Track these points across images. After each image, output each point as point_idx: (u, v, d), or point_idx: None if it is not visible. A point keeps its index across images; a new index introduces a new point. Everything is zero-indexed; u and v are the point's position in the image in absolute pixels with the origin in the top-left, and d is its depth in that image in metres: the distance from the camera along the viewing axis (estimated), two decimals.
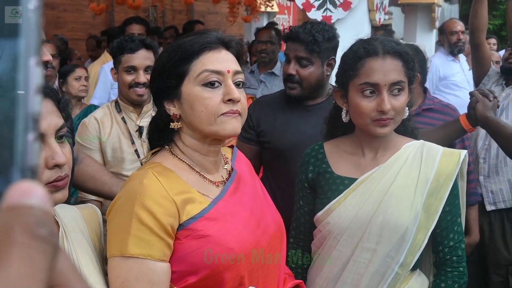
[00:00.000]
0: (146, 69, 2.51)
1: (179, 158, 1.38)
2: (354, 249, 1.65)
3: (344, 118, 1.72)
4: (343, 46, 1.80)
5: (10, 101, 0.36)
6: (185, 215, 1.28)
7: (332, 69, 2.39)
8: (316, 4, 3.59)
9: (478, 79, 3.37)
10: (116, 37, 3.05)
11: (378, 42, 1.65)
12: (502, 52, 4.65)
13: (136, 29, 4.45)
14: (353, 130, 1.77)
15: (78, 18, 8.81)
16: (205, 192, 1.35)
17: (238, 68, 1.37)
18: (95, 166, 2.27)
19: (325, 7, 3.58)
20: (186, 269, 1.27)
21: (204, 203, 1.32)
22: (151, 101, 1.92)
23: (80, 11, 8.78)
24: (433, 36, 6.61)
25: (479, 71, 3.35)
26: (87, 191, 2.34)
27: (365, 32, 3.42)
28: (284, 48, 2.61)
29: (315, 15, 3.59)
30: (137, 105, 2.59)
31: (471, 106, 2.15)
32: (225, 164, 1.48)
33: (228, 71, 1.32)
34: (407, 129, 1.76)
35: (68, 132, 1.24)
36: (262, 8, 7.49)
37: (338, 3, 3.56)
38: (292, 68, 2.38)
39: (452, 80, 5.09)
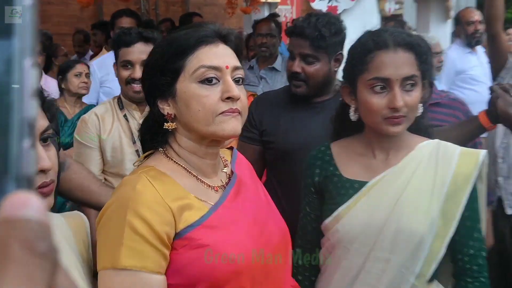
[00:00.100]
0: (143, 64, 2.53)
1: (175, 161, 1.38)
2: (366, 259, 1.65)
3: (353, 116, 1.72)
4: (350, 38, 1.80)
5: (4, 106, 0.36)
6: (182, 223, 1.27)
7: (340, 64, 2.39)
8: None
9: (495, 72, 3.37)
10: (107, 30, 3.10)
11: (388, 33, 1.65)
12: None
13: (126, 22, 4.45)
14: (362, 130, 1.77)
15: (64, 11, 8.82)
16: (203, 197, 1.35)
17: (238, 63, 1.37)
18: (83, 173, 2.27)
19: None
20: (184, 282, 1.27)
21: (203, 210, 1.32)
22: None
23: (66, 3, 8.79)
24: (448, 26, 6.60)
25: (496, 63, 3.36)
26: (74, 200, 2.34)
27: (373, 23, 3.42)
28: (287, 42, 2.60)
29: (319, 5, 3.59)
30: (140, 102, 2.60)
31: (492, 102, 2.14)
32: (225, 167, 1.48)
33: (227, 67, 1.32)
34: (420, 128, 1.76)
35: (54, 134, 1.24)
36: None
37: None
38: (297, 66, 2.37)
39: (470, 74, 5.09)
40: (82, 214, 1.45)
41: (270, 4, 8.88)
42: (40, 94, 1.23)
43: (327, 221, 1.73)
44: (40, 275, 0.33)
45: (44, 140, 1.17)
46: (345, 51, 1.86)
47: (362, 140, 1.77)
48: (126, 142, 2.55)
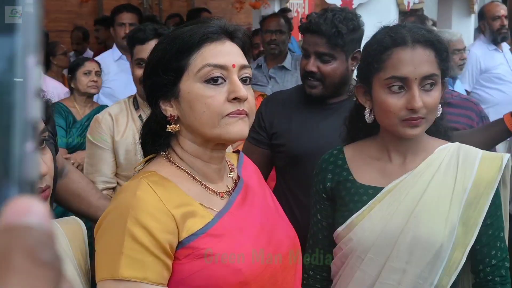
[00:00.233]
0: None
1: (178, 166, 1.38)
2: (380, 269, 1.65)
3: (368, 118, 1.72)
4: (366, 35, 1.80)
5: (6, 106, 0.37)
6: (185, 232, 1.28)
7: (358, 63, 2.38)
8: None
9: None
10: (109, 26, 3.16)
11: (406, 29, 1.65)
12: None
13: (127, 18, 4.48)
14: (378, 132, 1.77)
15: (62, 6, 8.84)
16: (208, 204, 1.36)
17: (245, 61, 1.37)
18: (81, 183, 2.28)
19: None
20: None
21: (207, 217, 1.33)
22: None
23: None
24: (471, 22, 6.57)
25: None
26: (70, 210, 2.35)
27: (391, 18, 3.42)
28: (299, 39, 2.61)
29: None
30: None
31: None
32: (231, 172, 1.48)
33: (233, 66, 1.33)
34: (439, 130, 1.76)
35: (50, 137, 1.25)
36: None
37: None
38: (312, 65, 2.36)
39: (495, 72, 5.08)
40: (78, 219, 1.45)
41: None
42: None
43: (340, 229, 1.73)
44: (43, 286, 0.33)
45: (39, 143, 1.18)
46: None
47: (377, 143, 1.77)
48: (140, 144, 2.59)
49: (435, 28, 4.43)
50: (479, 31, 5.58)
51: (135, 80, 2.68)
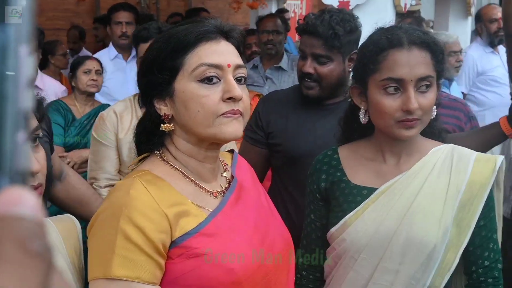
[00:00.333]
0: None
1: (171, 165, 1.38)
2: (373, 270, 1.65)
3: (362, 118, 1.72)
4: (363, 36, 1.80)
5: None
6: (178, 231, 1.28)
7: None
8: None
9: None
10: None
11: (402, 31, 1.65)
12: None
13: (123, 17, 4.48)
14: (372, 133, 1.77)
15: (59, 5, 8.84)
16: (201, 204, 1.36)
17: (240, 61, 1.37)
18: (82, 189, 2.29)
19: None
20: None
21: (201, 217, 1.33)
22: None
23: None
24: (468, 24, 6.59)
25: None
26: (75, 216, 2.37)
27: (388, 19, 3.42)
28: (295, 40, 2.61)
29: (331, 0, 3.60)
30: None
31: None
32: (224, 172, 1.49)
33: (229, 65, 1.33)
34: (434, 131, 1.76)
35: (45, 135, 1.25)
36: None
37: None
38: (309, 66, 2.36)
39: (491, 75, 5.09)
40: (73, 217, 1.45)
41: None
42: None
43: (333, 229, 1.73)
44: (34, 276, 0.33)
45: (32, 140, 1.18)
46: None
47: (372, 144, 1.77)
48: None
49: (431, 30, 4.45)
50: (476, 33, 5.59)
51: None
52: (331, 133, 1.97)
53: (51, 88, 4.59)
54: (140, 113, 2.65)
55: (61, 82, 5.26)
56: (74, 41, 6.83)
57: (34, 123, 1.18)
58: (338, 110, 2.31)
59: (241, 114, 1.33)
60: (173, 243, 1.27)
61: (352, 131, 1.83)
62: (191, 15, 6.20)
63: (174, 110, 1.34)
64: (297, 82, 2.55)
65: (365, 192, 1.71)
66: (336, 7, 3.44)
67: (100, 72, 4.00)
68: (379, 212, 1.67)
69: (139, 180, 1.31)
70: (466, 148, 1.73)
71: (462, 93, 5.03)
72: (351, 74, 2.40)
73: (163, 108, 1.36)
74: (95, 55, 4.58)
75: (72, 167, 3.29)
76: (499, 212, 1.74)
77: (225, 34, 1.37)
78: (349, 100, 1.81)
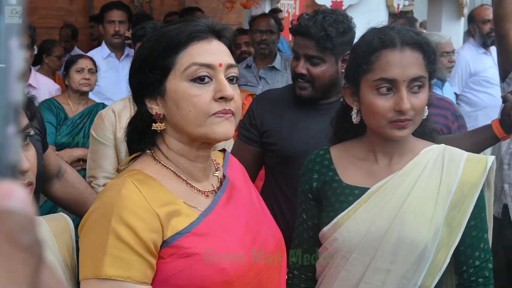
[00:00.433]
0: None
1: (163, 165, 1.38)
2: (365, 269, 1.66)
3: (355, 119, 1.73)
4: (356, 36, 1.80)
5: None
6: (169, 231, 1.28)
7: None
8: None
9: (504, 74, 3.38)
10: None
11: (395, 31, 1.66)
12: None
13: (116, 15, 4.47)
14: (364, 133, 1.77)
15: (52, 3, 8.79)
16: (193, 203, 1.36)
17: (232, 61, 1.37)
18: (80, 189, 2.29)
19: None
20: None
21: (192, 216, 1.33)
22: None
23: None
24: (461, 25, 6.60)
25: (505, 65, 3.37)
26: (70, 212, 2.37)
27: (381, 20, 3.43)
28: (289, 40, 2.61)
29: (324, 0, 3.60)
30: None
31: (506, 113, 2.15)
32: (216, 171, 1.49)
33: (220, 65, 1.33)
34: (425, 132, 1.77)
35: (37, 134, 1.25)
36: None
37: None
38: (302, 67, 2.37)
39: (484, 76, 5.11)
40: (66, 216, 1.45)
41: None
42: None
43: (325, 229, 1.73)
44: (23, 270, 0.33)
45: (22, 139, 1.17)
46: None
47: (364, 144, 1.77)
48: None
49: (424, 31, 4.46)
50: (468, 34, 5.60)
51: None
52: (325, 133, 1.97)
53: (45, 87, 4.57)
54: None
55: (55, 80, 5.23)
56: (66, 39, 6.78)
57: (24, 121, 1.18)
58: (331, 111, 2.31)
59: (232, 114, 1.33)
60: (165, 243, 1.27)
61: (344, 131, 1.83)
62: (186, 14, 6.20)
63: (166, 110, 1.34)
64: (290, 82, 2.56)
65: (357, 192, 1.72)
66: (329, 7, 3.45)
67: (93, 71, 3.98)
68: (371, 212, 1.67)
69: (130, 179, 1.30)
70: (457, 149, 1.74)
71: (455, 93, 5.05)
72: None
73: (154, 108, 1.35)
74: (88, 54, 4.56)
75: None
76: (490, 212, 1.75)
77: (217, 33, 1.37)
78: (341, 100, 1.81)
